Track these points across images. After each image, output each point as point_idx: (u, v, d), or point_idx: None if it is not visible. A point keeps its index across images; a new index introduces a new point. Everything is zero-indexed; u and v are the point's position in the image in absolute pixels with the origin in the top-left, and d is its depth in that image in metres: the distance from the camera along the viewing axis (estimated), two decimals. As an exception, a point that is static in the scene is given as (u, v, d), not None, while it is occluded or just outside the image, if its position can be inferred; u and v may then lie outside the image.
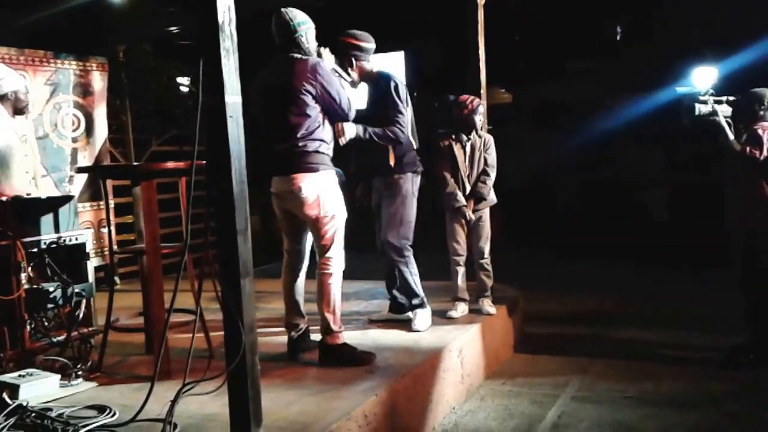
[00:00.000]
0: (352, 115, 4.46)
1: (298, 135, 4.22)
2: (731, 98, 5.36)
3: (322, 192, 4.26)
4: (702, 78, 5.58)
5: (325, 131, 4.36)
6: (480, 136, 5.50)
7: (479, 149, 5.46)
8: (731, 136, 5.21)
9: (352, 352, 4.36)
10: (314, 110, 4.24)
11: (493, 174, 5.51)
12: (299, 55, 4.30)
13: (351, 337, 4.91)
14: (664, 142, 11.71)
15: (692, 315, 6.58)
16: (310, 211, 4.27)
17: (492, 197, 5.56)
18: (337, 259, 4.38)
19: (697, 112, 5.32)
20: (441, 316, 5.33)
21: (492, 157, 5.52)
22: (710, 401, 4.58)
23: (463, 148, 5.45)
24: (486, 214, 5.57)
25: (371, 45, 4.95)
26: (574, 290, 8.06)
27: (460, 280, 5.50)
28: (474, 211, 5.46)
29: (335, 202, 4.34)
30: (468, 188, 5.45)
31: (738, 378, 4.99)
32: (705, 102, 5.30)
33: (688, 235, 9.73)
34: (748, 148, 5.05)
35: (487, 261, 5.57)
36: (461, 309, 5.44)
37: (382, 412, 3.73)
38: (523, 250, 11.26)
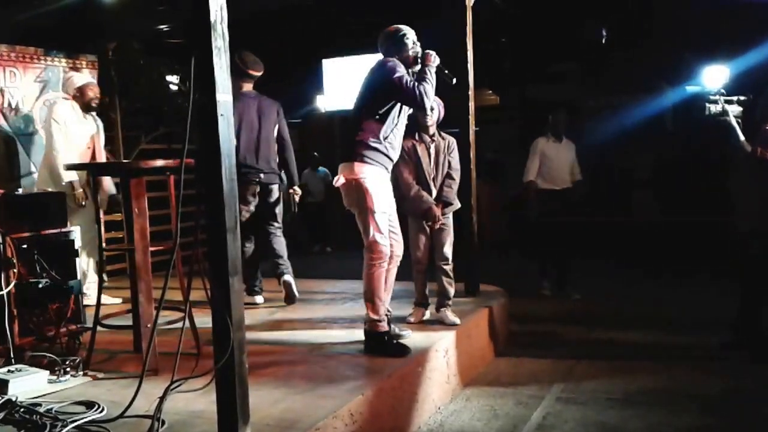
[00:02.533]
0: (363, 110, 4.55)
1: (352, 125, 4.50)
2: (742, 98, 5.36)
3: (359, 184, 4.41)
4: (712, 77, 5.56)
5: (375, 124, 4.45)
6: (444, 138, 5.29)
7: (443, 152, 5.25)
8: (742, 137, 5.23)
9: (387, 344, 4.52)
10: (367, 101, 4.50)
11: (457, 178, 5.31)
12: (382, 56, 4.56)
13: (337, 336, 4.97)
14: (652, 143, 11.80)
15: (677, 316, 6.63)
16: (346, 201, 4.55)
17: (456, 202, 5.37)
18: (373, 253, 4.48)
19: (707, 112, 5.34)
20: (401, 321, 5.20)
21: (456, 160, 5.32)
22: (696, 401, 4.63)
23: (427, 149, 5.23)
24: (450, 219, 5.34)
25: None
26: (561, 293, 8.10)
27: (422, 285, 5.33)
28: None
29: (372, 196, 4.42)
30: (434, 192, 5.23)
31: (724, 377, 5.06)
32: (716, 102, 5.32)
33: (674, 237, 9.81)
34: (759, 149, 5.08)
35: (450, 267, 5.35)
36: (423, 315, 5.32)
37: (368, 411, 3.76)
38: (508, 251, 11.36)
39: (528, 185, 7.88)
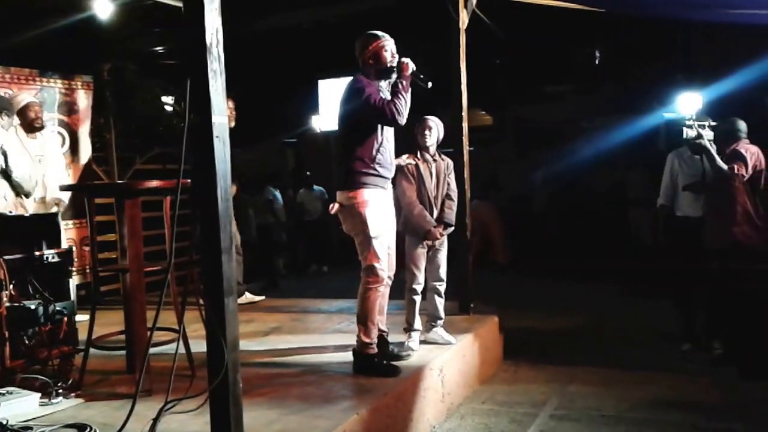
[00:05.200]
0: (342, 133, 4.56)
1: (339, 154, 4.52)
2: (713, 123, 5.65)
3: (356, 210, 4.40)
4: (687, 104, 5.75)
5: (361, 149, 4.41)
6: (443, 159, 5.27)
7: (443, 172, 5.22)
8: (717, 157, 5.48)
9: (376, 365, 4.50)
10: (347, 128, 4.48)
11: (456, 199, 5.28)
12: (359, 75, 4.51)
13: (332, 356, 4.96)
14: (646, 163, 11.87)
15: (667, 331, 6.63)
16: (345, 227, 4.54)
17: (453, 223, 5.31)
18: (370, 277, 4.48)
19: (685, 136, 5.62)
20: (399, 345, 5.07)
21: (454, 181, 5.31)
22: (688, 417, 4.64)
23: (429, 169, 5.18)
24: (445, 240, 5.30)
25: None
26: (555, 310, 8.12)
27: (418, 309, 5.21)
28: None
29: (369, 222, 4.41)
30: (435, 212, 5.18)
31: (715, 393, 5.10)
32: (691, 126, 5.59)
33: (669, 256, 9.80)
34: (735, 167, 5.39)
35: (444, 287, 5.30)
36: (419, 339, 5.20)
37: (363, 431, 3.75)
38: (504, 270, 11.37)
39: (659, 210, 6.47)
